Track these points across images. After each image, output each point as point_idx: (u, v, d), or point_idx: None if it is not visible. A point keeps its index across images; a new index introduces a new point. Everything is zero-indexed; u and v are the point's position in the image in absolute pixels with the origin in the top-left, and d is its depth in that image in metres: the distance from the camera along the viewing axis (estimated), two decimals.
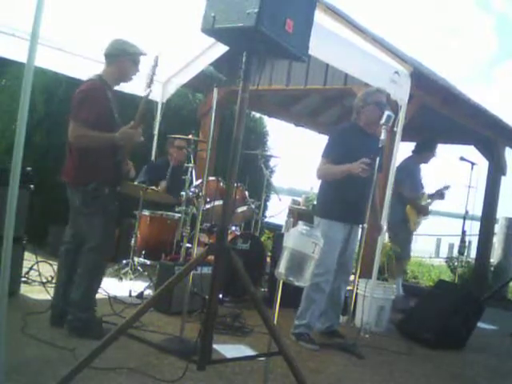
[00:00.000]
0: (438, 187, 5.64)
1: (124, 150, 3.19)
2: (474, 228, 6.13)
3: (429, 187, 5.69)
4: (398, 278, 5.23)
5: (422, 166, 5.59)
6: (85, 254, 3.14)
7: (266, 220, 8.04)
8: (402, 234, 5.27)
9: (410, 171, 5.35)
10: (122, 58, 3.19)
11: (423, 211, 5.42)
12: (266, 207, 7.86)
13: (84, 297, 3.11)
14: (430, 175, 5.77)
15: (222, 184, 4.75)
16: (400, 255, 4.96)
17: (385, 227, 4.19)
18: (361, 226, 3.67)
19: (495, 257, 7.38)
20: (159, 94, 5.90)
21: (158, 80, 5.55)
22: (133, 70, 3.26)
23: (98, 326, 3.12)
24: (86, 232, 3.16)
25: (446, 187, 5.64)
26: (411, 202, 5.28)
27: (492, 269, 7.21)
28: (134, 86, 5.17)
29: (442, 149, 5.71)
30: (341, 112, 7.61)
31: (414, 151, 5.52)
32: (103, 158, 3.09)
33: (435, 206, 5.62)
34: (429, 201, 5.49)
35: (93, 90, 3.08)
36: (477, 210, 6.22)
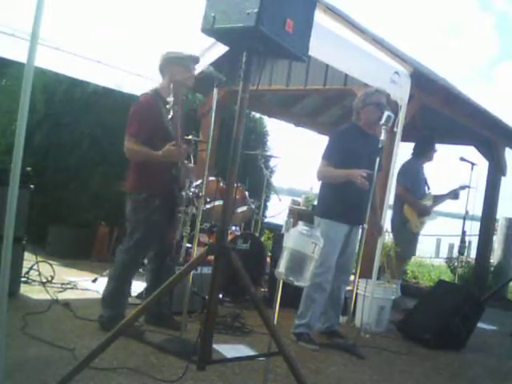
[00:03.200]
0: (454, 187, 5.45)
1: (180, 165, 3.23)
2: (474, 228, 6.12)
3: (442, 187, 5.54)
4: (397, 279, 5.20)
5: (426, 166, 5.45)
6: (116, 254, 3.28)
7: (266, 220, 8.05)
8: (403, 233, 5.21)
9: (412, 172, 5.29)
10: (170, 66, 3.27)
11: (423, 211, 5.24)
12: (266, 207, 7.85)
13: (109, 295, 3.23)
14: (430, 175, 5.72)
15: (222, 184, 4.74)
16: (400, 255, 4.93)
17: (384, 227, 4.18)
18: (361, 226, 3.68)
19: (495, 257, 7.39)
20: None
21: (158, 80, 5.54)
22: (185, 75, 3.28)
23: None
24: (127, 234, 3.26)
25: (463, 187, 5.40)
26: (408, 202, 5.23)
27: (492, 269, 7.21)
28: (132, 86, 5.22)
29: (441, 149, 5.67)
30: (341, 112, 7.59)
31: (415, 152, 5.46)
32: (158, 170, 3.18)
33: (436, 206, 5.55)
34: (428, 203, 5.28)
35: (143, 105, 3.17)
36: (477, 210, 6.22)
